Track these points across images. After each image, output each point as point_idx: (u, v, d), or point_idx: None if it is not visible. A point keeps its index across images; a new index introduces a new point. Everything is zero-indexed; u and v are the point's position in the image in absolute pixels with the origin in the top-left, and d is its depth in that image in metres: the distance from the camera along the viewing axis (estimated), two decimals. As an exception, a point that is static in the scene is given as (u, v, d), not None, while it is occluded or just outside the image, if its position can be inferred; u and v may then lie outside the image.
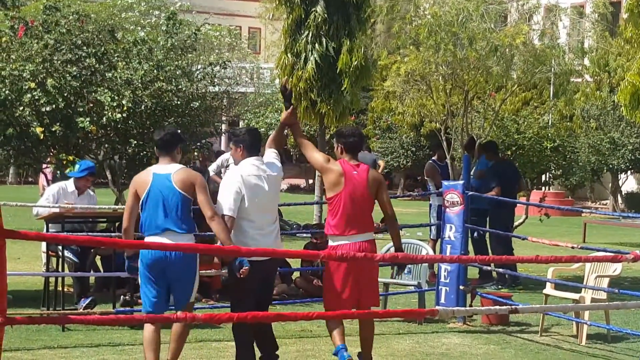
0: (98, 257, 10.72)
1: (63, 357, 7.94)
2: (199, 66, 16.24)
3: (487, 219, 12.65)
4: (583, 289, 9.52)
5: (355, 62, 13.95)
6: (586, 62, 15.32)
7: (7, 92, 12.20)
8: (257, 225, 7.21)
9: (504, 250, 12.52)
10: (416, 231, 18.39)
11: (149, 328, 6.94)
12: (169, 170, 7.09)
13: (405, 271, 10.39)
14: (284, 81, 8.77)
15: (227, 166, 12.75)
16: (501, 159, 13.44)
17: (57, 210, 9.76)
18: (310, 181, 32.61)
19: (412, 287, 10.49)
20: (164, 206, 6.97)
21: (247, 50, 33.97)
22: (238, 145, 7.38)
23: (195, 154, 15.39)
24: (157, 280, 6.98)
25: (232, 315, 4.99)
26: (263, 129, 26.46)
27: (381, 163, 20.19)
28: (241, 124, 28.72)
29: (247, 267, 6.89)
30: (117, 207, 12.10)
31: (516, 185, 13.42)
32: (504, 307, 6.87)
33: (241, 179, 7.17)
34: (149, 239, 6.93)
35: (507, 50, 12.34)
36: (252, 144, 7.38)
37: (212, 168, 14.70)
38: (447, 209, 10.11)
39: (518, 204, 13.52)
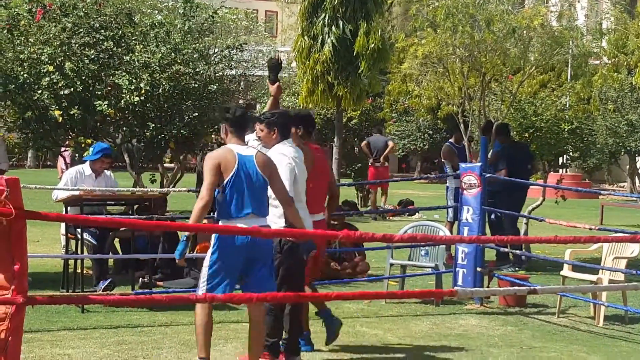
0: (117, 240, 10.79)
1: (82, 338, 7.99)
2: (216, 49, 16.24)
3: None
4: (600, 271, 9.50)
5: (372, 45, 13.89)
6: (604, 44, 15.24)
7: (25, 75, 12.28)
8: (303, 205, 7.31)
9: (511, 231, 12.52)
10: (433, 214, 18.44)
11: (203, 312, 6.71)
12: (250, 152, 6.83)
13: (423, 253, 10.45)
14: (278, 56, 8.74)
15: (247, 149, 12.75)
16: (513, 142, 13.34)
17: (75, 192, 9.82)
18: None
19: (429, 269, 10.49)
20: (250, 190, 6.70)
21: (264, 33, 33.86)
22: (272, 129, 7.28)
23: (213, 137, 15.41)
24: (234, 267, 6.68)
25: (252, 296, 5.02)
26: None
27: (390, 144, 20.68)
28: (258, 107, 28.70)
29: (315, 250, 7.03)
30: (135, 189, 12.17)
31: (529, 167, 13.35)
32: (523, 287, 6.89)
33: (292, 161, 7.18)
34: (232, 223, 6.64)
35: (524, 32, 12.29)
36: (286, 127, 7.36)
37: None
38: (465, 191, 10.11)
39: (534, 186, 13.46)
